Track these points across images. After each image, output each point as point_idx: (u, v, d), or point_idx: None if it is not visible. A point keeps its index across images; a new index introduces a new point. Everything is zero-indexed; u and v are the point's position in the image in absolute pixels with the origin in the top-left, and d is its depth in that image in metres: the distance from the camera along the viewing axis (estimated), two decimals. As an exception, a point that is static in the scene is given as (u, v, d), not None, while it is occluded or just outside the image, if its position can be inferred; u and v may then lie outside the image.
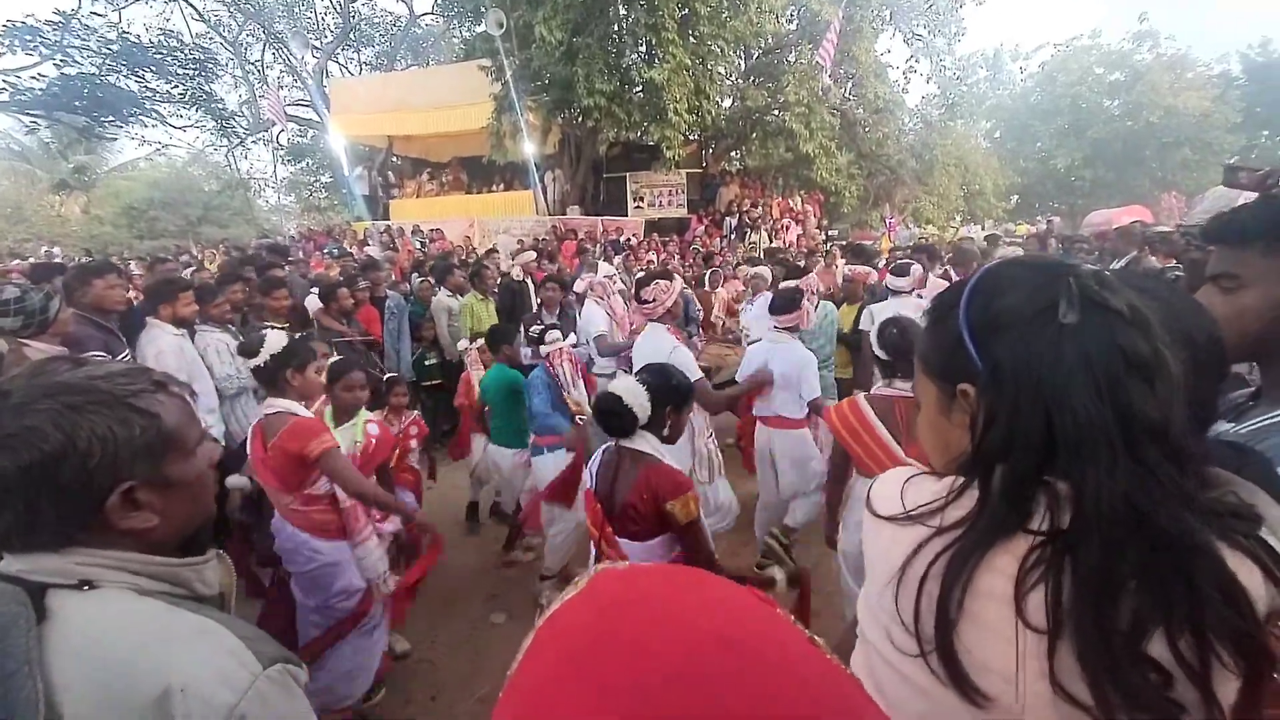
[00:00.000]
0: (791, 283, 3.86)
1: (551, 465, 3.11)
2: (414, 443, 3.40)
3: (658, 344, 3.07)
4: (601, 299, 4.36)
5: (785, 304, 3.23)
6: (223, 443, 3.31)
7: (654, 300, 3.12)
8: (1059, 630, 0.54)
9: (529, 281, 6.07)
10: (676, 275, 3.62)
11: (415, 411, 3.69)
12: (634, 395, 1.90)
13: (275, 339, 2.21)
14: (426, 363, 5.48)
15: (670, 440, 2.03)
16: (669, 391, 1.99)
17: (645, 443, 1.94)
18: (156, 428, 0.73)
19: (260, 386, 2.22)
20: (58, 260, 10.06)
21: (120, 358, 3.10)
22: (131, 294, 3.98)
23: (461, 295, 5.54)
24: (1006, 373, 0.59)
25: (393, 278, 6.62)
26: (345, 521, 2.28)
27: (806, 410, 3.16)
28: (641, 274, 4.28)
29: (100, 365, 0.75)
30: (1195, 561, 0.53)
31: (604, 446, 2.05)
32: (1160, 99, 23.26)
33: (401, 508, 2.44)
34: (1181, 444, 0.56)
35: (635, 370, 2.34)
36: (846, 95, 14.67)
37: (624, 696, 0.30)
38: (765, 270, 5.65)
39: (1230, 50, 27.07)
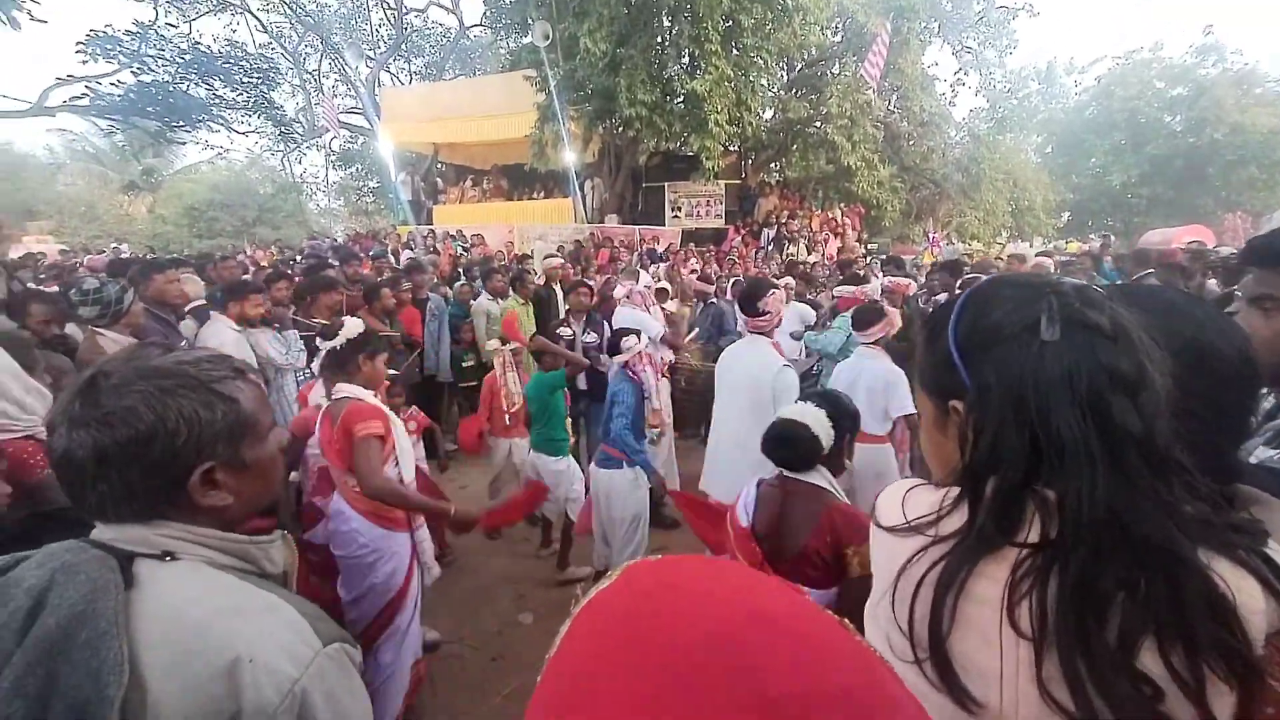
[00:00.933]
0: (848, 289, 3.76)
1: (618, 482, 3.01)
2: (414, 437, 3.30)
3: (763, 359, 2.79)
4: (639, 308, 4.36)
5: (869, 318, 3.23)
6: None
7: (770, 311, 2.83)
8: (1045, 638, 0.55)
9: (557, 287, 6.11)
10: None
11: (412, 408, 3.68)
12: (821, 424, 1.71)
13: (353, 325, 2.30)
14: (464, 364, 5.61)
15: (836, 473, 1.81)
16: (847, 419, 1.79)
17: (821, 477, 1.74)
18: (236, 412, 0.78)
19: (330, 370, 2.32)
20: (126, 255, 10.68)
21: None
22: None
23: (503, 299, 5.66)
24: (992, 389, 0.61)
25: (434, 280, 6.80)
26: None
27: (890, 425, 3.12)
28: (737, 280, 4.21)
29: (188, 351, 0.81)
30: (1181, 575, 0.53)
31: (758, 479, 1.85)
32: (1226, 115, 22.19)
33: (435, 507, 2.38)
34: (1167, 455, 0.56)
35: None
36: (891, 108, 14.47)
37: (660, 671, 0.31)
38: (788, 283, 5.63)
39: (1304, 64, 25.71)
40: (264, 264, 8.80)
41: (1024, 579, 0.57)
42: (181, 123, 16.92)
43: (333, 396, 2.26)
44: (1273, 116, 22.07)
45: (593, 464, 3.17)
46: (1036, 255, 8.43)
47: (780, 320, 3.03)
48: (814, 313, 5.14)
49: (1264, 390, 0.95)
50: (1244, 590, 0.54)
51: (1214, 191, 23.31)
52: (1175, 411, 0.59)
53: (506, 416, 3.81)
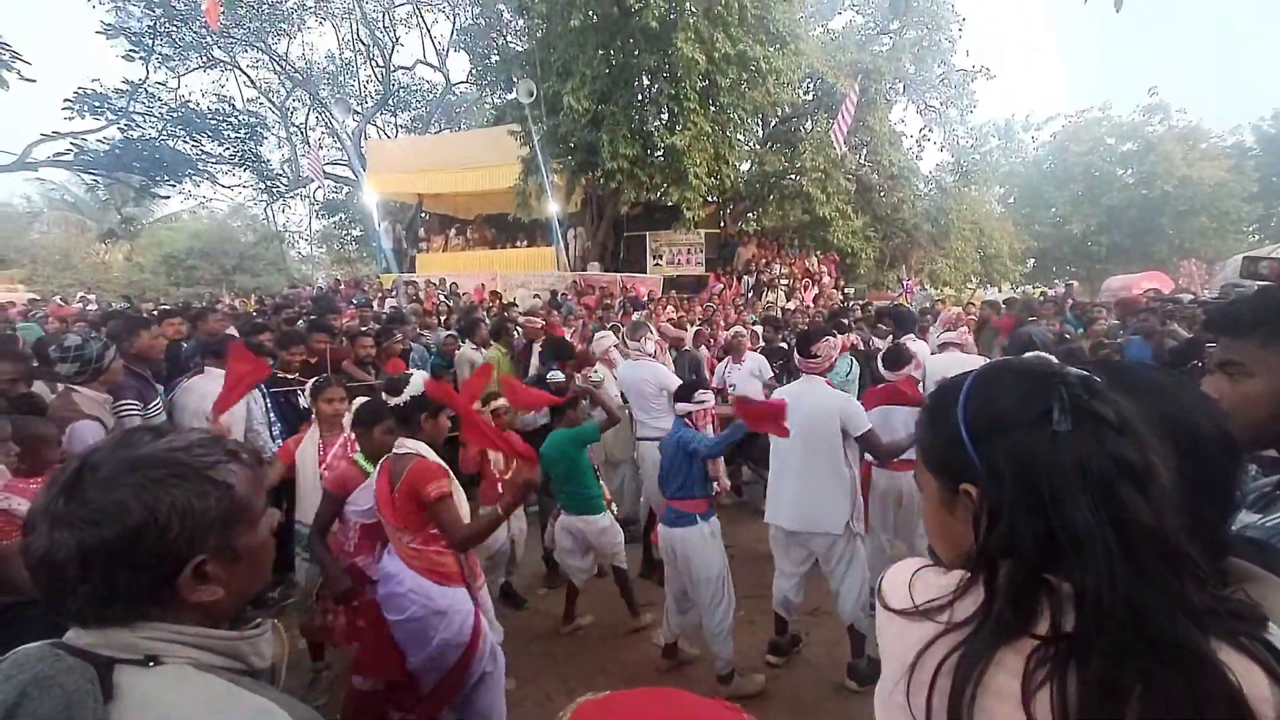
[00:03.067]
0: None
1: (695, 539, 2.84)
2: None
3: (820, 396, 2.91)
4: (655, 359, 4.32)
5: (896, 359, 3.35)
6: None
7: (822, 356, 2.99)
8: None
9: (535, 347, 5.82)
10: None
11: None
12: None
13: (418, 380, 2.27)
14: (448, 414, 5.55)
15: None
16: None
17: None
18: (230, 498, 0.74)
19: (364, 427, 2.43)
20: (93, 306, 10.48)
21: (151, 405, 3.20)
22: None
23: (486, 349, 5.66)
24: (1005, 475, 0.61)
25: (416, 330, 6.77)
26: (468, 564, 2.27)
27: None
28: (802, 329, 4.20)
29: (180, 436, 0.76)
30: (1198, 671, 0.53)
31: None
32: (1174, 169, 23.57)
33: (506, 507, 2.29)
34: (1177, 548, 0.57)
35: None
36: (861, 161, 15.12)
37: None
38: (744, 331, 5.76)
39: (1242, 122, 27.58)
40: (252, 312, 8.72)
41: (1038, 671, 0.57)
42: (166, 177, 17.03)
43: (396, 451, 2.22)
44: (1218, 170, 23.48)
45: (661, 525, 3.02)
46: (1004, 301, 8.74)
47: (832, 364, 3.13)
48: (769, 365, 5.20)
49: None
50: (1250, 679, 0.54)
51: (1168, 239, 24.49)
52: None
53: (499, 485, 3.45)
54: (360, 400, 2.88)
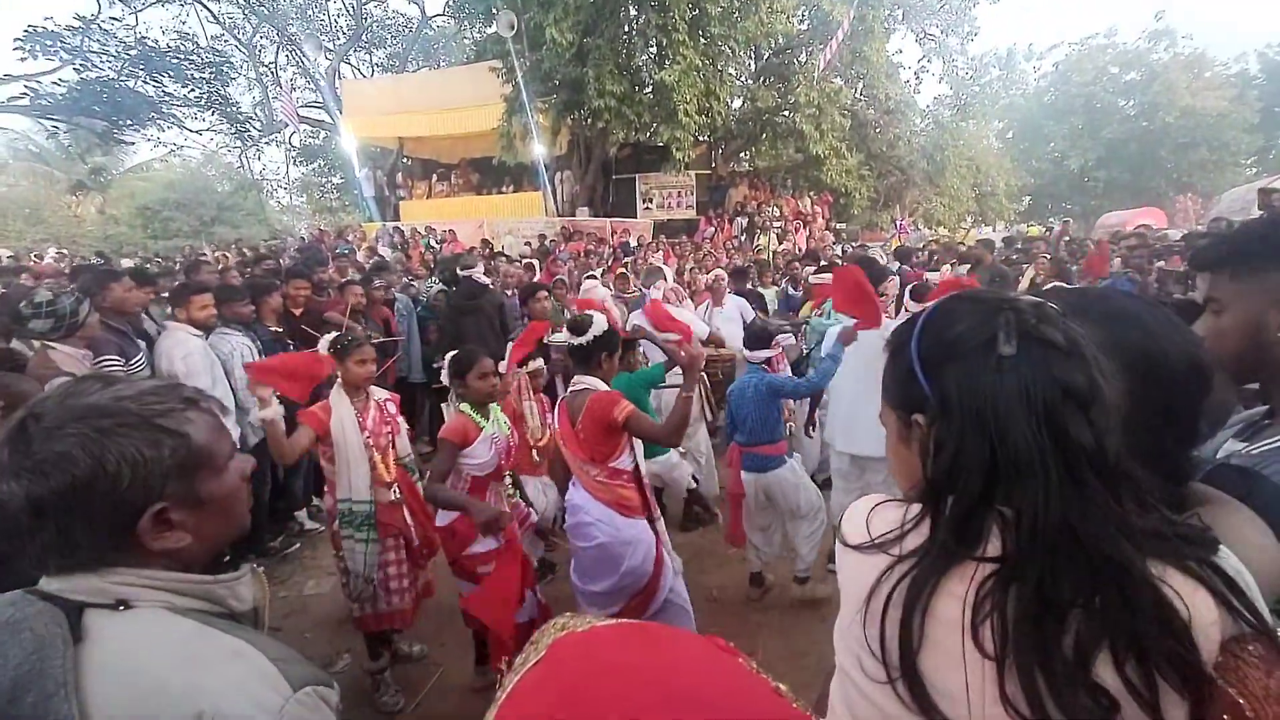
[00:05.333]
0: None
1: (787, 479, 3.01)
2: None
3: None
4: (677, 305, 4.34)
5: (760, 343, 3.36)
6: (237, 445, 3.36)
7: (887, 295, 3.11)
8: (1005, 657, 0.56)
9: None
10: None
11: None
12: None
13: (601, 321, 2.40)
14: (435, 365, 5.52)
15: None
16: None
17: None
18: (186, 447, 0.73)
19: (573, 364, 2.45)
20: (53, 260, 10.18)
21: (134, 360, 3.15)
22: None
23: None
24: (952, 403, 0.62)
25: (403, 279, 6.65)
26: (649, 499, 2.39)
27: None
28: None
29: (130, 384, 0.74)
30: (1132, 587, 0.55)
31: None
32: (1177, 99, 22.99)
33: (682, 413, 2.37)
34: (1118, 468, 0.58)
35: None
36: (857, 96, 14.61)
37: None
38: (724, 274, 5.71)
39: (1249, 49, 26.71)
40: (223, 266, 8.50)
41: (985, 598, 0.58)
42: (130, 121, 16.27)
43: (571, 389, 2.38)
44: (1221, 99, 22.93)
45: (745, 473, 3.10)
46: (977, 241, 8.68)
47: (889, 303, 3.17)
48: (750, 306, 5.19)
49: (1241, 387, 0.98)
50: (1197, 601, 0.56)
51: (1167, 174, 24.16)
52: (1128, 419, 0.61)
53: (534, 452, 3.26)
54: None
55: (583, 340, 2.36)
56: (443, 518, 2.54)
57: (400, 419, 2.80)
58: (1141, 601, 0.55)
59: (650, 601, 2.33)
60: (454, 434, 2.42)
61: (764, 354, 3.13)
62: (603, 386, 2.33)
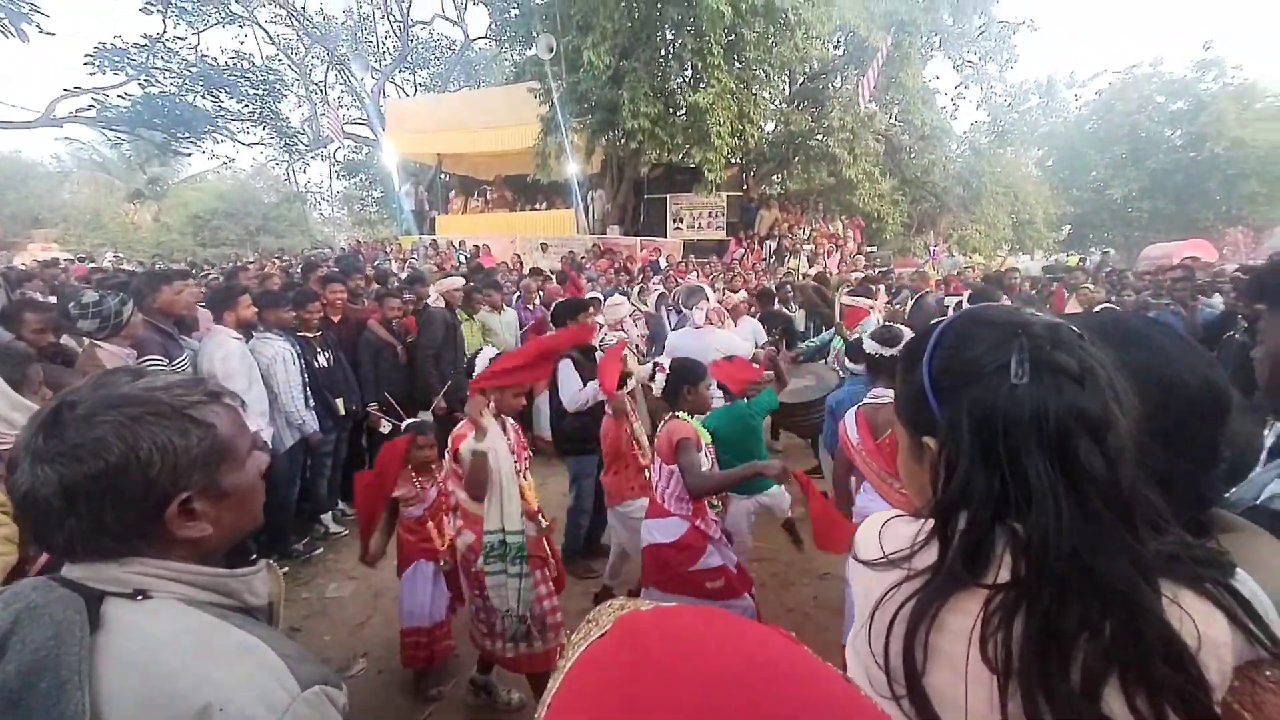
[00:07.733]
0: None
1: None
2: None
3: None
4: (720, 326, 4.39)
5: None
6: (270, 446, 3.43)
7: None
8: (1009, 677, 0.56)
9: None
10: None
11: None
12: None
13: (907, 332, 2.44)
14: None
15: None
16: None
17: None
18: (213, 437, 0.75)
19: (870, 375, 2.48)
20: (107, 266, 10.65)
21: (177, 361, 3.26)
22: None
23: (500, 313, 5.65)
24: (962, 430, 0.61)
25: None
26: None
27: None
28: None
29: (159, 376, 0.77)
30: (1141, 619, 0.54)
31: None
32: (1227, 129, 22.26)
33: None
34: (1131, 496, 0.57)
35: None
36: (892, 120, 14.56)
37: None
38: (746, 296, 5.76)
39: (1304, 79, 25.83)
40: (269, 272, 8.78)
41: (994, 616, 0.58)
42: (187, 134, 17.09)
43: (869, 400, 2.37)
44: (1273, 131, 22.11)
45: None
46: (1043, 269, 8.48)
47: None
48: (763, 330, 5.20)
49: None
50: (1211, 623, 0.55)
51: (1215, 206, 23.34)
52: (1145, 445, 0.59)
53: (645, 471, 2.90)
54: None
55: (894, 351, 2.34)
56: (664, 534, 2.36)
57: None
58: (1150, 633, 0.53)
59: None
60: (691, 433, 2.37)
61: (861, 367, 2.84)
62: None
